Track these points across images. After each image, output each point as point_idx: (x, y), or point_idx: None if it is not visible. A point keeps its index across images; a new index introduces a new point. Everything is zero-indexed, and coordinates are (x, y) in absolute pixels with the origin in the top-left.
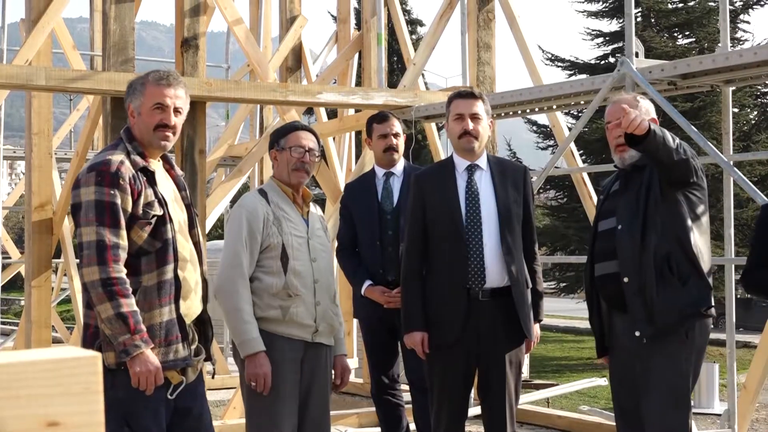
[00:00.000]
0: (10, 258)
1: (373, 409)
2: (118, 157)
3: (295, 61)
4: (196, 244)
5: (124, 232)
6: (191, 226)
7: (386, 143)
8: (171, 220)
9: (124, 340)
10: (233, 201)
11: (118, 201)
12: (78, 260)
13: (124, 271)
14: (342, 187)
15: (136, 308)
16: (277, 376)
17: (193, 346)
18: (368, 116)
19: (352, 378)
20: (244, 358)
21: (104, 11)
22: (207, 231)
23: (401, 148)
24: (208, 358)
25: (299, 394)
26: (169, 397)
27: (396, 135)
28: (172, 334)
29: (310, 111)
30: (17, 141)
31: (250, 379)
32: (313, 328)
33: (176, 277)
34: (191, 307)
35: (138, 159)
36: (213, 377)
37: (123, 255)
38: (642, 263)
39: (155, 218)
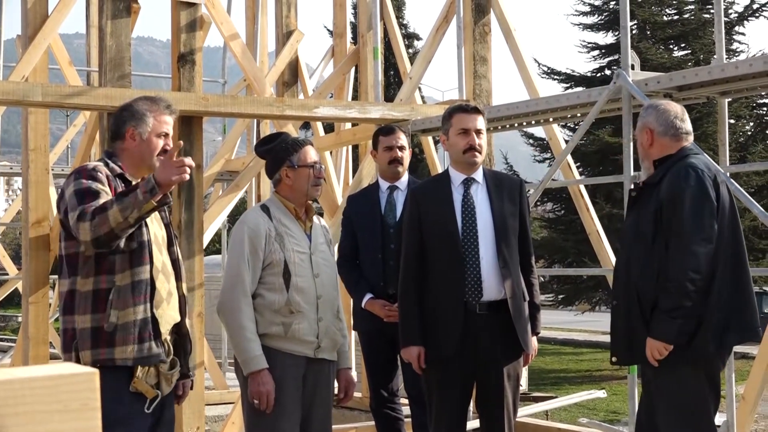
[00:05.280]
0: (7, 274)
1: (372, 423)
2: (96, 162)
3: (292, 75)
4: (174, 261)
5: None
6: (170, 244)
7: (391, 155)
8: (147, 227)
9: (136, 192)
10: (230, 216)
11: (96, 185)
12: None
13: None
14: (339, 201)
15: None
16: (279, 392)
17: (168, 359)
18: (366, 130)
19: None
20: (246, 376)
21: (100, 27)
22: (204, 246)
23: (406, 161)
24: (186, 374)
25: (301, 410)
26: (146, 411)
27: (401, 148)
28: (145, 332)
29: (306, 125)
30: (14, 157)
31: (253, 397)
32: (315, 344)
33: (152, 279)
34: (164, 315)
35: (116, 167)
36: (180, 403)
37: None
38: (626, 290)
39: None
